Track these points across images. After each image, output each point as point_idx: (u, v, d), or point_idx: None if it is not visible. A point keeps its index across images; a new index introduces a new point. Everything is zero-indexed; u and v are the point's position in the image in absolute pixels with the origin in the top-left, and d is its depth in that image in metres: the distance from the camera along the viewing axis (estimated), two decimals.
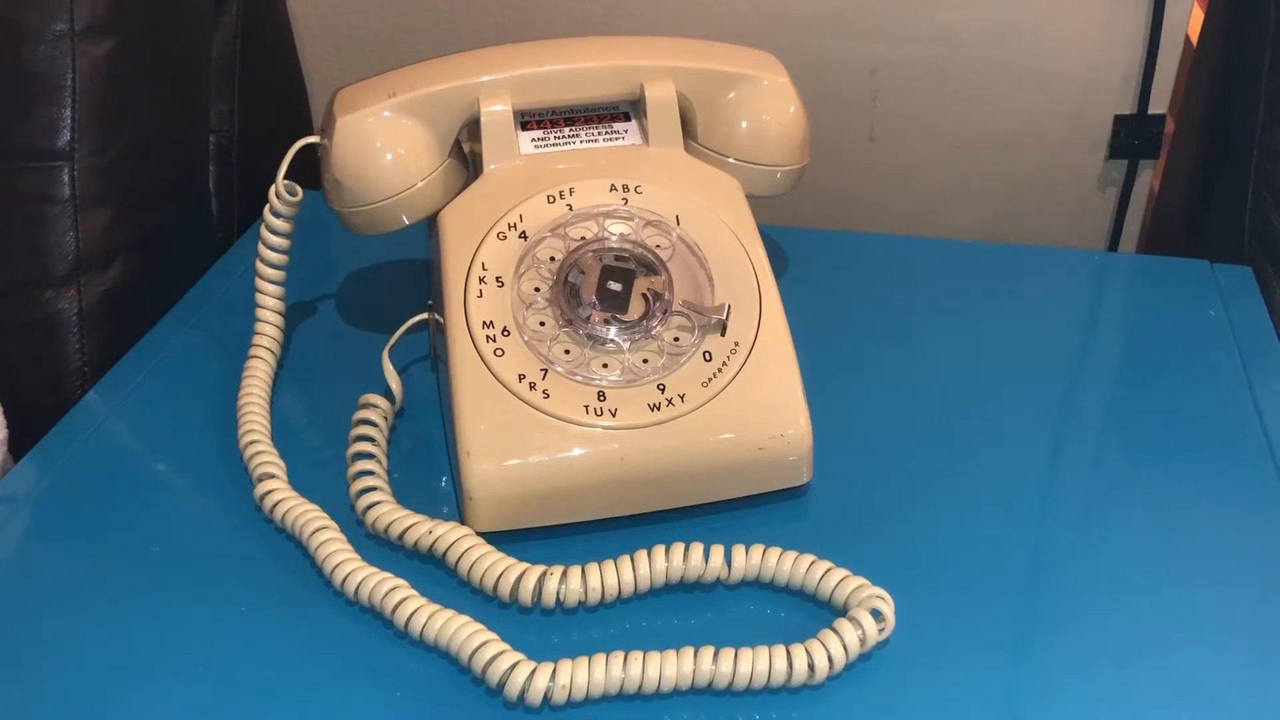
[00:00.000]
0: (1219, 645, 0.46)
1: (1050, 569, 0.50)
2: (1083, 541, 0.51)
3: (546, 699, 0.43)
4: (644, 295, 0.52)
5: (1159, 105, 0.74)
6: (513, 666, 0.43)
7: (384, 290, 0.68)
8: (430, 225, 0.58)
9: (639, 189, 0.55)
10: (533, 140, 0.57)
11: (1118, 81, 0.74)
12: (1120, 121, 0.75)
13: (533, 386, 0.50)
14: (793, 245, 0.70)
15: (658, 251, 0.53)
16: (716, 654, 0.44)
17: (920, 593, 0.48)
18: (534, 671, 0.43)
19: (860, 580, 0.47)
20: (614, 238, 0.53)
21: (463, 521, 0.50)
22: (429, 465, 0.55)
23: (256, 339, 0.60)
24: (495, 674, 0.43)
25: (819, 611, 0.47)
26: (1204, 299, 0.66)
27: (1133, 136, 0.75)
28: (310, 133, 0.59)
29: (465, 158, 0.59)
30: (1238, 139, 0.69)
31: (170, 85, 0.68)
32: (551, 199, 0.54)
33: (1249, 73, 0.68)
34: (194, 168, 0.72)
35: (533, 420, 0.49)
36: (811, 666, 0.44)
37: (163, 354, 0.63)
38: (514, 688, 0.43)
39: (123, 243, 0.64)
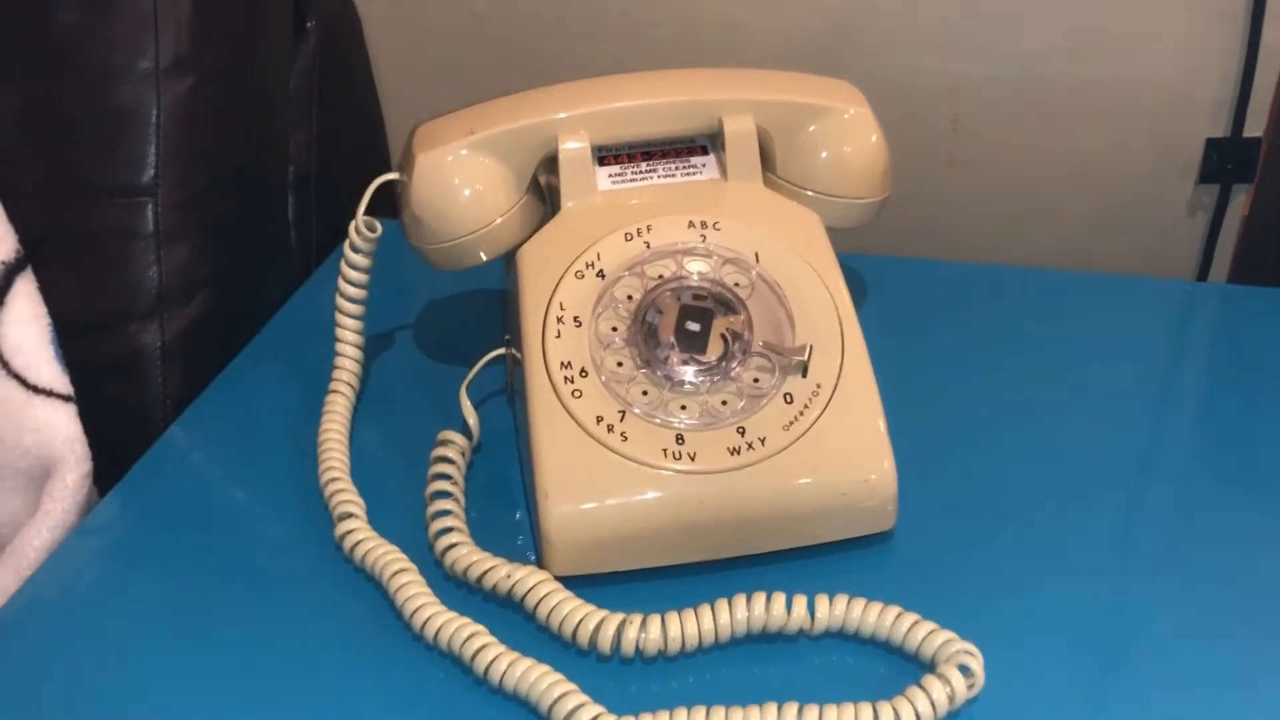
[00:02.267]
0: None
1: (1142, 625, 0.48)
2: (1177, 595, 0.49)
3: None
4: (723, 335, 0.51)
5: (1255, 128, 0.72)
6: (595, 719, 0.43)
7: (461, 323, 0.68)
8: (508, 260, 0.58)
9: (717, 225, 0.54)
10: (610, 176, 0.57)
11: (1210, 103, 0.72)
12: (1213, 145, 0.73)
13: (610, 429, 0.49)
14: (869, 273, 0.68)
15: (736, 290, 0.53)
16: (801, 710, 0.43)
17: (1007, 647, 0.46)
18: None
19: (949, 634, 0.45)
20: (692, 276, 0.53)
21: (540, 564, 0.50)
22: (506, 502, 0.55)
23: (336, 373, 0.60)
24: None
25: (904, 664, 0.46)
26: None
27: (1225, 160, 0.72)
28: (388, 163, 0.59)
29: (542, 193, 0.58)
30: None
31: (251, 119, 0.68)
32: (629, 237, 0.54)
33: None
34: (273, 199, 0.72)
35: (611, 463, 0.49)
36: None
37: (244, 387, 0.64)
38: None
39: (204, 276, 0.65)
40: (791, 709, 0.43)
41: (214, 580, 0.52)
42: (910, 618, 0.46)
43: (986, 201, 0.78)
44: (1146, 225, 0.76)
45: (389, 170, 0.59)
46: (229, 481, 0.58)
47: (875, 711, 0.43)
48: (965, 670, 0.44)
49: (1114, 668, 0.47)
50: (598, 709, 0.43)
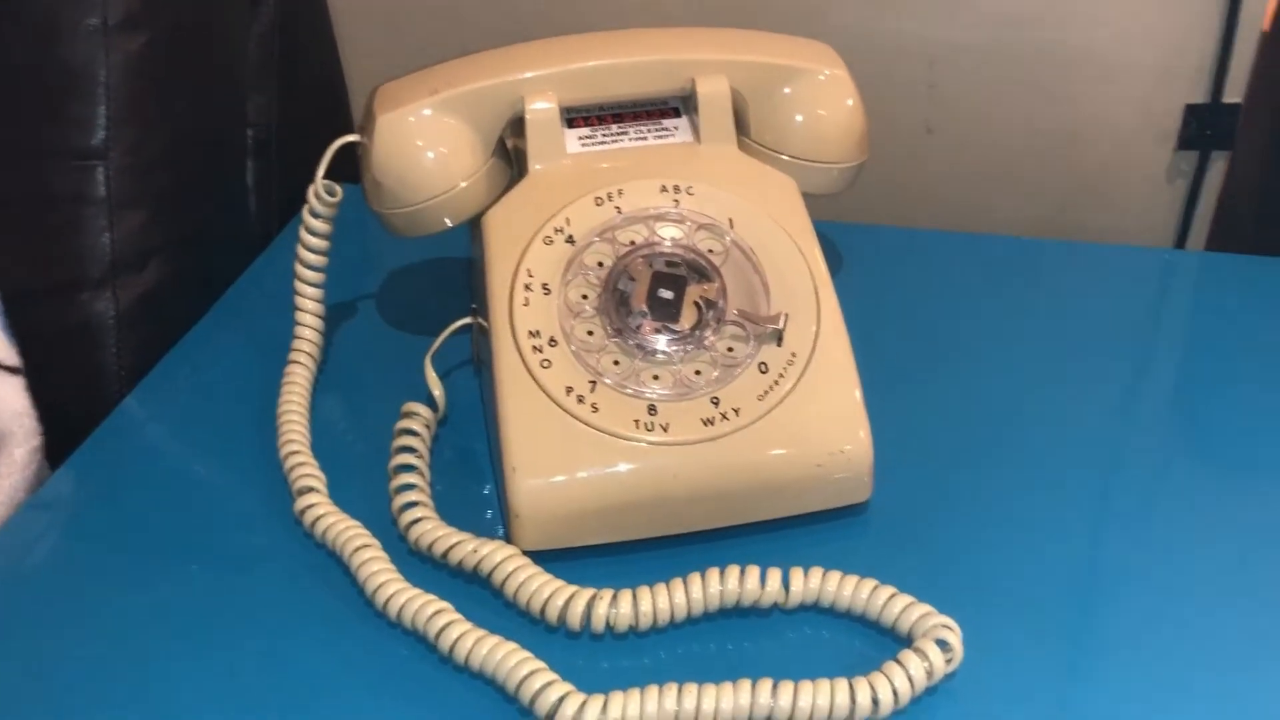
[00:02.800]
0: None
1: (1122, 593, 0.48)
2: (1158, 563, 0.48)
3: None
4: (696, 303, 0.50)
5: (1234, 94, 0.70)
6: (562, 698, 0.41)
7: (425, 291, 0.67)
8: (473, 226, 0.56)
9: (691, 190, 0.52)
10: (579, 138, 0.55)
11: (1190, 69, 0.70)
12: (1192, 111, 0.71)
13: (581, 399, 0.48)
14: (844, 242, 0.67)
15: (710, 257, 0.51)
16: (776, 686, 0.42)
17: (985, 619, 0.45)
18: (584, 704, 0.41)
19: (926, 608, 0.44)
20: (665, 242, 0.51)
21: (508, 539, 0.48)
22: (472, 476, 0.54)
23: (296, 343, 0.58)
24: (544, 705, 0.42)
25: (881, 639, 0.45)
26: None
27: (1205, 127, 0.71)
28: (351, 126, 0.57)
29: (509, 156, 0.57)
30: None
31: (207, 80, 0.66)
32: (600, 201, 0.52)
33: None
34: (232, 164, 0.70)
35: (581, 435, 0.47)
36: (875, 701, 0.42)
37: (201, 357, 0.62)
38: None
39: (159, 243, 0.63)
40: (766, 686, 0.42)
41: (170, 556, 0.50)
42: (886, 590, 0.45)
43: (964, 169, 0.76)
44: (1125, 193, 0.75)
45: (352, 134, 0.57)
46: (185, 454, 0.56)
47: (852, 688, 0.42)
48: (943, 645, 0.43)
49: (1090, 639, 0.46)
50: (566, 687, 0.42)
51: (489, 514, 0.51)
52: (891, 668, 0.42)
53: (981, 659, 0.44)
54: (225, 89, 0.68)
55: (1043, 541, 0.49)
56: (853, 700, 0.42)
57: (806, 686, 0.42)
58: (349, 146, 0.56)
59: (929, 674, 0.43)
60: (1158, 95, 0.72)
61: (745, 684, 0.42)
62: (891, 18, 0.72)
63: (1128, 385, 0.59)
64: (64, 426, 0.58)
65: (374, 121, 0.54)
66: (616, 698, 0.41)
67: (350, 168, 0.57)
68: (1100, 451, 0.54)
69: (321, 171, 0.56)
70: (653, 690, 0.42)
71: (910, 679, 0.42)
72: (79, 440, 0.56)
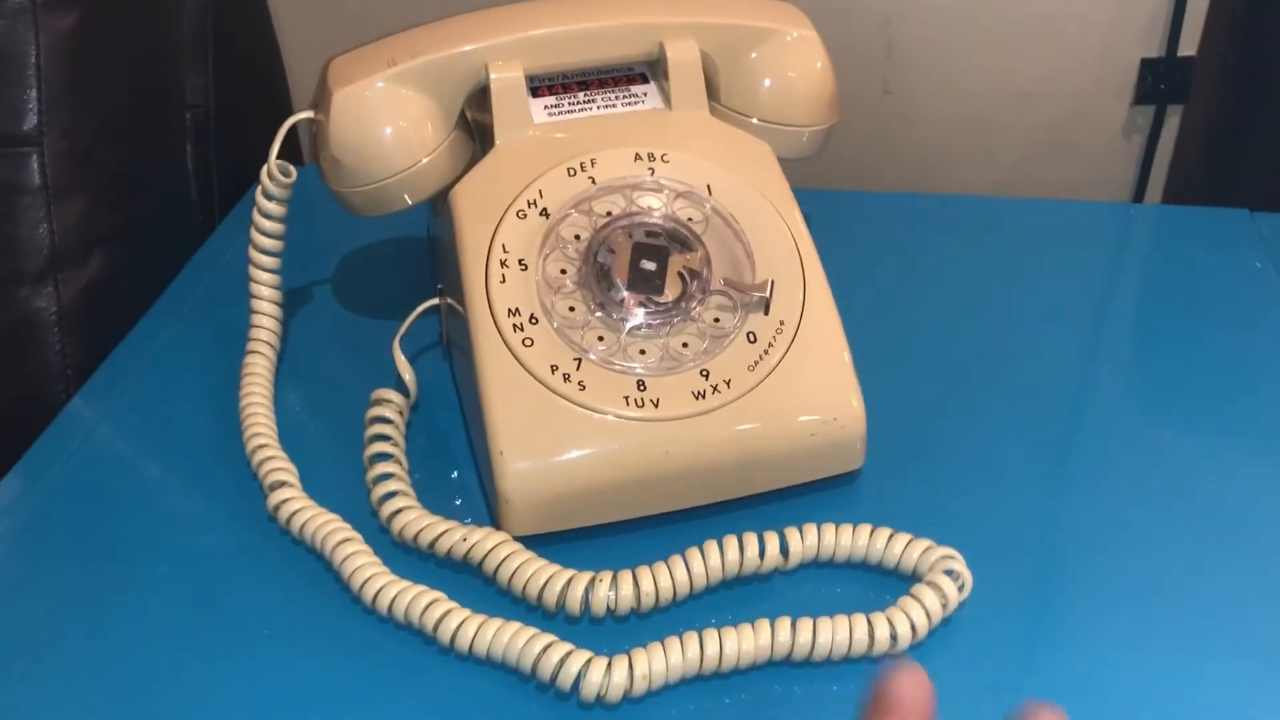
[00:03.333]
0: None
1: (1105, 530, 0.48)
2: (1125, 505, 0.49)
3: (625, 693, 0.41)
4: (680, 274, 0.48)
5: (1188, 47, 0.71)
6: (587, 664, 0.40)
7: (383, 272, 0.64)
8: (437, 203, 0.54)
9: (665, 157, 0.51)
10: (545, 108, 0.53)
11: (1144, 23, 0.70)
12: (1147, 65, 0.72)
13: (567, 378, 0.46)
14: (808, 207, 0.66)
15: (691, 225, 0.49)
16: (795, 624, 0.42)
17: (984, 564, 0.45)
18: (609, 665, 0.40)
19: (927, 542, 0.45)
20: (644, 212, 0.50)
21: (496, 525, 0.47)
22: (449, 461, 0.52)
23: (254, 332, 0.56)
24: (568, 675, 0.41)
25: (884, 583, 0.45)
26: (1247, 249, 0.63)
27: (1160, 81, 0.71)
28: (288, 105, 0.54)
29: (470, 129, 0.54)
30: (1271, 80, 0.66)
31: (142, 60, 0.62)
32: (572, 172, 0.50)
33: None
34: (171, 148, 0.67)
35: (569, 414, 0.46)
36: (894, 635, 0.42)
37: (151, 351, 0.59)
38: (590, 686, 0.40)
39: (101, 233, 0.59)
40: (785, 624, 0.42)
41: (136, 562, 0.47)
42: (885, 532, 0.45)
43: (923, 130, 0.76)
44: (1083, 148, 0.75)
45: (289, 113, 0.54)
46: (142, 455, 0.53)
47: (870, 623, 0.42)
48: (951, 574, 0.43)
49: (1087, 574, 0.46)
50: (587, 654, 0.41)
51: (472, 499, 0.50)
52: (907, 601, 0.43)
53: (983, 598, 0.44)
54: (161, 69, 0.65)
55: (1026, 490, 0.50)
56: (871, 635, 0.42)
57: (825, 623, 0.42)
58: (279, 123, 0.54)
59: (944, 605, 0.43)
60: (1113, 50, 0.72)
61: (764, 624, 0.41)
62: None
63: (1112, 338, 0.59)
64: (7, 431, 0.55)
65: (330, 97, 0.52)
66: (640, 654, 0.41)
67: (291, 146, 0.54)
68: (1084, 402, 0.55)
69: (275, 150, 0.53)
70: (674, 641, 0.41)
71: (926, 610, 0.42)
72: (23, 446, 0.53)
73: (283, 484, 0.48)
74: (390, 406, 0.52)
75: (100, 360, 0.58)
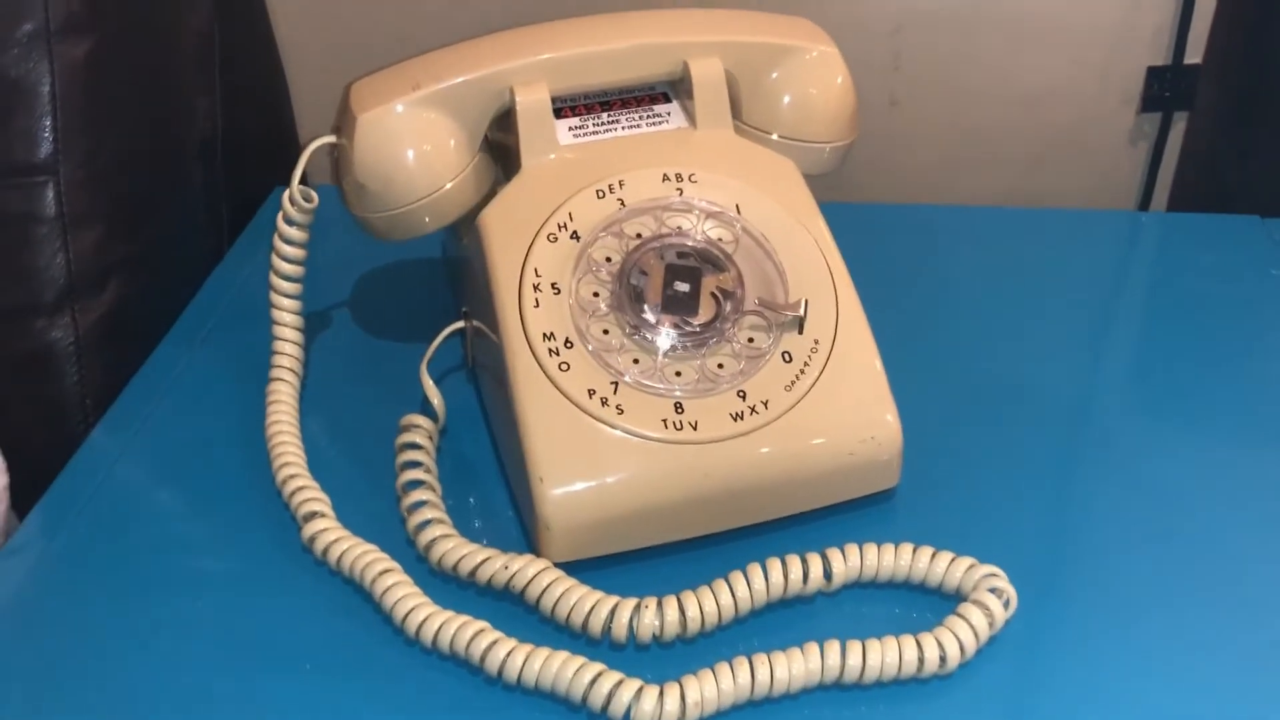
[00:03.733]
0: None
1: (1141, 539, 0.48)
2: (1175, 510, 0.49)
3: None
4: (713, 294, 0.48)
5: (1194, 55, 0.71)
6: (638, 693, 0.40)
7: (402, 296, 0.64)
8: (461, 226, 0.54)
9: (694, 177, 0.51)
10: (570, 129, 0.53)
11: (1150, 31, 0.71)
12: (1153, 73, 0.72)
13: (604, 402, 0.46)
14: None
15: (722, 246, 0.49)
16: (845, 646, 0.42)
17: (1026, 579, 0.45)
18: (661, 693, 0.40)
19: (970, 560, 0.45)
20: (674, 233, 0.49)
21: (534, 551, 0.46)
22: (480, 486, 0.51)
23: (277, 359, 0.55)
24: (620, 705, 0.40)
25: (924, 601, 0.45)
26: (1261, 256, 0.64)
27: (1166, 88, 0.72)
28: (294, 129, 0.54)
29: (493, 152, 0.54)
30: (1277, 87, 0.67)
31: (153, 84, 0.62)
32: (601, 194, 0.50)
33: None
34: (183, 172, 0.66)
35: (608, 439, 0.46)
36: (943, 656, 0.42)
37: (170, 379, 0.58)
38: (643, 716, 0.40)
39: (117, 260, 0.59)
40: (834, 647, 0.42)
41: (171, 596, 0.47)
42: (927, 551, 0.45)
43: (930, 141, 0.76)
44: (1090, 156, 0.76)
45: (295, 136, 0.54)
46: (167, 487, 0.52)
47: (919, 644, 0.42)
48: (996, 591, 0.44)
49: (1120, 586, 0.46)
50: (638, 682, 0.41)
51: (505, 524, 0.49)
52: (955, 621, 0.43)
53: (1027, 614, 0.44)
54: (170, 93, 0.64)
55: (1059, 501, 0.50)
56: (921, 656, 0.42)
57: (875, 645, 0.42)
58: (277, 148, 0.53)
59: (991, 623, 0.43)
60: (1119, 58, 0.72)
61: (813, 647, 0.41)
62: None
63: (1138, 349, 0.60)
64: (26, 465, 0.54)
65: (353, 121, 0.51)
66: (691, 681, 0.41)
67: (285, 169, 0.54)
68: (1115, 412, 0.55)
69: (298, 175, 0.53)
70: (724, 667, 0.41)
71: (974, 629, 0.42)
72: (44, 480, 0.52)
73: (316, 514, 0.48)
74: (420, 432, 0.51)
75: (119, 389, 0.57)
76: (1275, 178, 0.67)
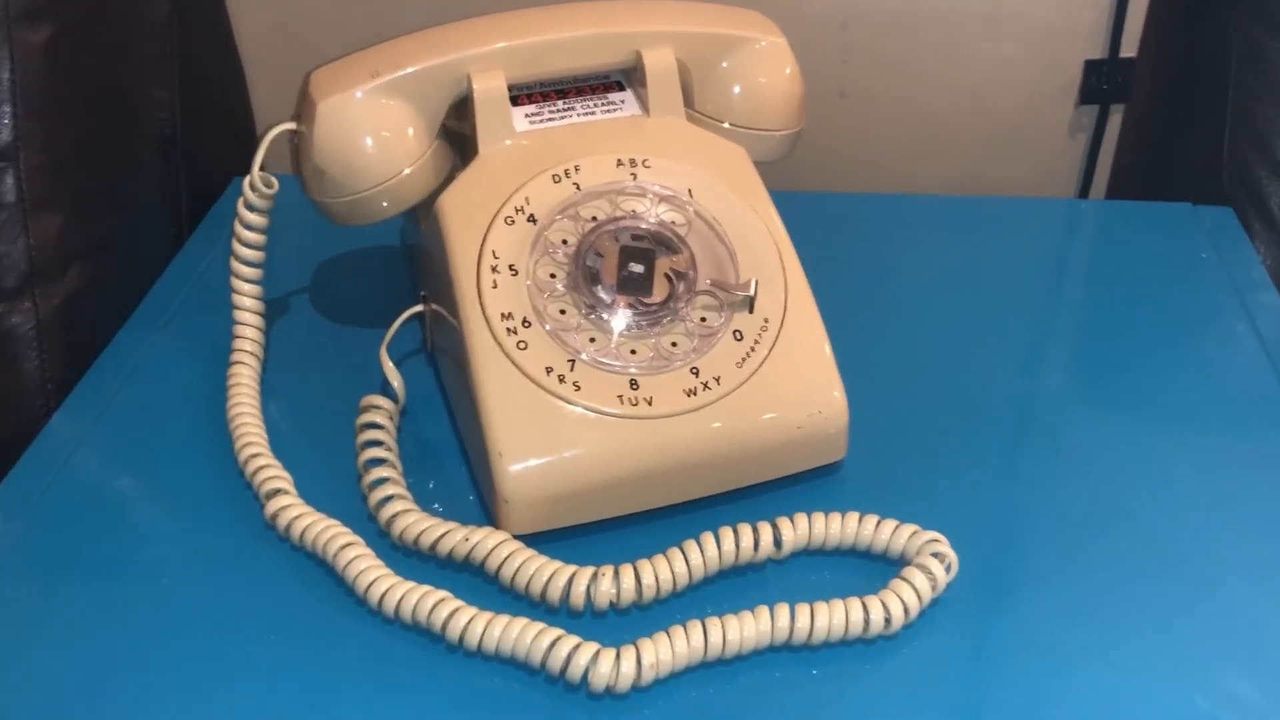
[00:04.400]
0: (1236, 559, 0.47)
1: (1070, 508, 0.50)
2: (1111, 482, 0.52)
3: (633, 683, 0.42)
4: (667, 275, 0.50)
5: (1130, 49, 0.74)
6: (595, 655, 0.42)
7: (361, 280, 0.65)
8: (419, 211, 0.55)
9: (647, 163, 0.52)
10: (526, 116, 0.54)
11: (1088, 26, 0.74)
12: (1091, 66, 0.75)
13: (562, 379, 0.47)
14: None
15: (675, 228, 0.51)
16: (794, 609, 0.43)
17: (967, 545, 0.47)
18: (618, 656, 0.42)
19: (913, 527, 0.47)
20: (629, 216, 0.51)
21: (496, 525, 0.48)
22: (439, 466, 0.53)
23: (237, 343, 0.56)
24: (577, 668, 0.42)
25: (871, 567, 0.47)
26: (1192, 242, 0.66)
27: (1103, 81, 0.75)
28: (252, 117, 0.55)
29: (450, 139, 0.55)
30: (1210, 80, 0.69)
31: (113, 71, 0.62)
32: (557, 178, 0.51)
33: (1219, 12, 0.68)
34: (144, 160, 0.66)
35: (565, 414, 0.47)
36: (888, 617, 0.44)
37: (131, 364, 0.59)
38: (600, 678, 0.42)
39: (78, 247, 0.59)
40: (784, 610, 0.43)
41: (130, 582, 0.47)
42: (873, 518, 0.47)
43: (878, 132, 0.78)
44: (1031, 147, 0.78)
45: (254, 127, 0.55)
46: (128, 470, 0.53)
47: (865, 606, 0.44)
48: (939, 556, 0.46)
49: (1065, 553, 0.48)
50: (595, 645, 0.42)
51: (465, 501, 0.51)
52: (899, 584, 0.44)
53: (968, 578, 0.46)
54: (131, 81, 0.65)
55: (998, 472, 0.52)
56: (866, 618, 0.43)
57: (823, 607, 0.43)
58: (238, 136, 0.54)
59: (934, 586, 0.45)
60: (1058, 53, 0.75)
61: (764, 610, 0.43)
62: None
63: (1075, 330, 0.62)
64: None
65: (313, 108, 0.52)
66: (647, 644, 0.42)
67: (244, 154, 0.55)
68: (1034, 387, 0.57)
69: (258, 161, 0.54)
70: (678, 630, 0.43)
71: (917, 592, 0.44)
72: (2, 465, 0.53)
73: (279, 492, 0.49)
74: (381, 412, 0.52)
75: (80, 375, 0.58)
76: (1206, 167, 0.70)
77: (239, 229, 0.55)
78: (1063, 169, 0.79)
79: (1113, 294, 0.64)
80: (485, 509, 0.49)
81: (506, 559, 0.46)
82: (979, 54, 0.75)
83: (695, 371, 0.48)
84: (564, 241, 0.50)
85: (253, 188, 0.55)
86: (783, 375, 0.49)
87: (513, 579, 0.46)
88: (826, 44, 0.75)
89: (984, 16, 0.74)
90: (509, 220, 0.50)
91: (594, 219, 0.51)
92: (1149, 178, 0.76)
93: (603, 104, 0.55)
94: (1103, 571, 0.47)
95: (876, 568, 0.47)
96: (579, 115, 0.54)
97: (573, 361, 0.48)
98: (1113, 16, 0.73)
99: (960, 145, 0.78)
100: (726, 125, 0.56)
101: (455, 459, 0.53)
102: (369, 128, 0.52)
